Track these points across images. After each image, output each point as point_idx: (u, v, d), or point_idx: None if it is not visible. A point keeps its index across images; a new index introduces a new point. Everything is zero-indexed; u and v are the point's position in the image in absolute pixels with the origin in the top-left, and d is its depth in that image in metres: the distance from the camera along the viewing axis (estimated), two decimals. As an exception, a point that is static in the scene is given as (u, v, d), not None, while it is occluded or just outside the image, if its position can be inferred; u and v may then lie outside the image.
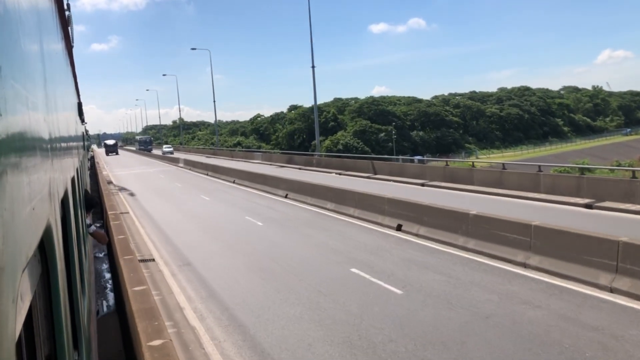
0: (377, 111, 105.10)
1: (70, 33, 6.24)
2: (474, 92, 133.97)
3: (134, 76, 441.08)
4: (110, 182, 31.62)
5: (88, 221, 7.91)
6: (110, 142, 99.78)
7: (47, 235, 1.77)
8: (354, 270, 11.28)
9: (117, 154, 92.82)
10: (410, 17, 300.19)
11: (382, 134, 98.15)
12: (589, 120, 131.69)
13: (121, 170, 50.32)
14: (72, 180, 4.06)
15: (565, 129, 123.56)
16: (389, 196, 15.87)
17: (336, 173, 34.50)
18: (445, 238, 12.93)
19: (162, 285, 10.98)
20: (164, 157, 65.72)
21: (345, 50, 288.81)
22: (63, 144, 3.15)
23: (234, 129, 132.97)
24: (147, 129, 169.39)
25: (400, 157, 50.05)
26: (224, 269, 12.14)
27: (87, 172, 21.90)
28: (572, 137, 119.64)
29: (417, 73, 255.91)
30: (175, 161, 55.93)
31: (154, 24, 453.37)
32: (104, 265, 15.27)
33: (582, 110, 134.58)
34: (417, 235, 14.00)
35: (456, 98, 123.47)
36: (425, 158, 63.21)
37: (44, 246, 1.82)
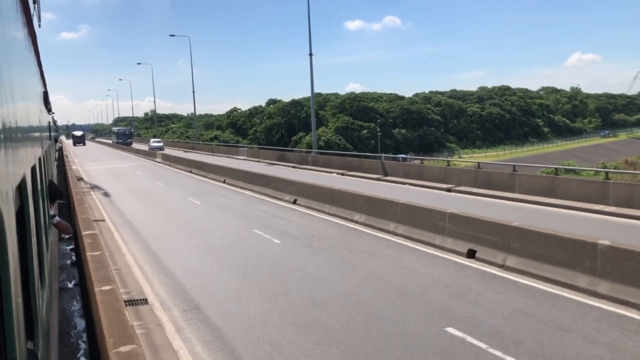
0: (358, 107, 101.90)
1: (34, 14, 5.72)
2: (455, 90, 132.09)
3: (104, 67, 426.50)
4: (80, 179, 27.22)
5: (52, 212, 7.60)
6: (78, 133, 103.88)
7: None
8: (451, 330, 7.65)
9: (84, 144, 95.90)
10: (385, 14, 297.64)
11: (365, 131, 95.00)
12: (568, 121, 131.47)
13: (92, 165, 45.59)
14: (33, 169, 3.87)
15: (545, 129, 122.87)
16: (452, 211, 12.26)
17: (338, 173, 30.82)
18: (554, 275, 9.41)
19: (167, 355, 7.13)
20: (138, 151, 60.76)
21: (321, 46, 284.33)
22: (19, 134, 2.91)
23: (209, 122, 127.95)
24: (118, 121, 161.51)
25: (383, 155, 46.76)
26: (252, 322, 8.35)
27: (54, 163, 19.69)
28: (552, 137, 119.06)
29: (391, 71, 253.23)
30: (151, 155, 51.36)
31: (125, 14, 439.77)
32: (75, 304, 11.23)
33: (561, 111, 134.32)
34: (503, 267, 10.45)
35: (437, 96, 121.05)
36: (409, 157, 60.22)
37: None
